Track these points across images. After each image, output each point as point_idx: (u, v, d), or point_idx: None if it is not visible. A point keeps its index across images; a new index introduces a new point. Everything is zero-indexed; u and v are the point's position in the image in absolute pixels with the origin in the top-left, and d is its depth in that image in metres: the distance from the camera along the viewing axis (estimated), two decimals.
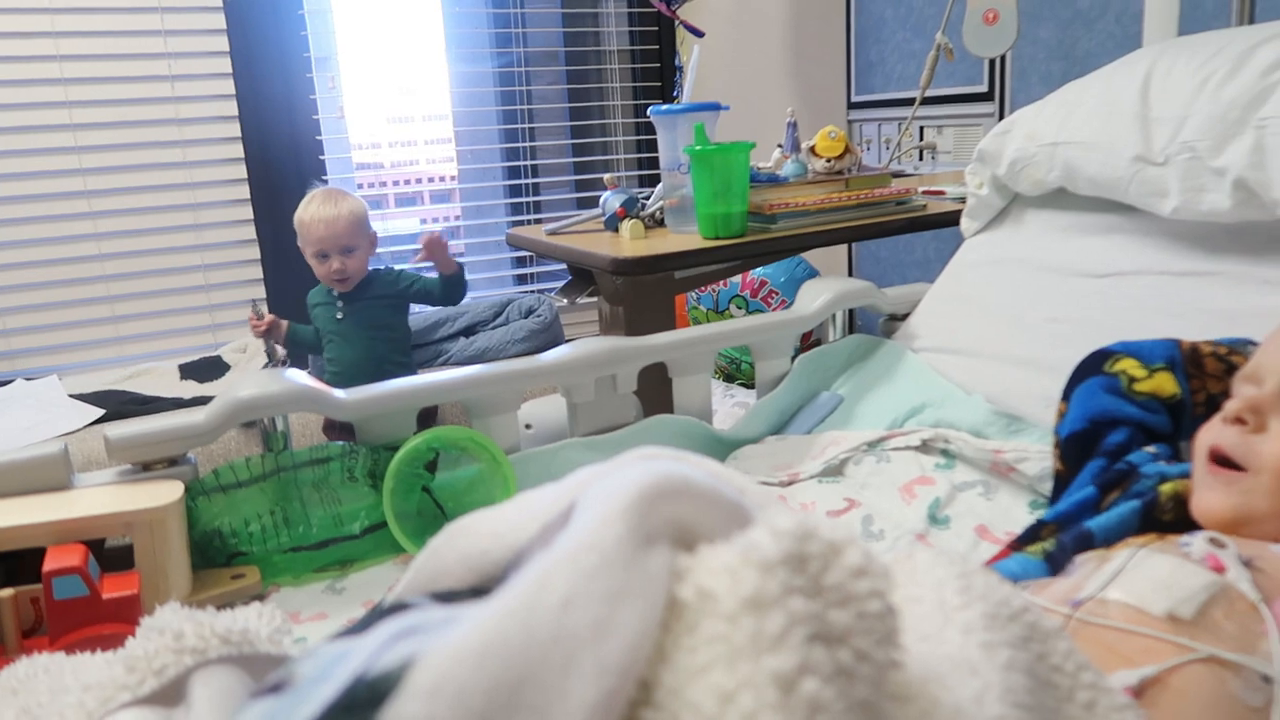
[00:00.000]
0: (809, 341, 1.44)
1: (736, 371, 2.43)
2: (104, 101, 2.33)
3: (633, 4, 3.00)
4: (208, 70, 2.42)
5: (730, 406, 2.14)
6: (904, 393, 1.18)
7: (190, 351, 2.37)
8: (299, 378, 1.04)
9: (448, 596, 0.46)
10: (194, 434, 0.96)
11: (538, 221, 3.04)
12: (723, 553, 0.36)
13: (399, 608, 0.44)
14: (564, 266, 1.64)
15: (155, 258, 2.42)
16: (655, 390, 1.24)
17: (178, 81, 2.39)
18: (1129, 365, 0.83)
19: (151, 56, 2.35)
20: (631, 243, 1.43)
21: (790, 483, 1.10)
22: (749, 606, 0.33)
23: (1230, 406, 0.67)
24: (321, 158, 2.62)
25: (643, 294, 1.40)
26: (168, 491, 0.91)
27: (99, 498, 0.90)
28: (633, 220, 1.46)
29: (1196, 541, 0.60)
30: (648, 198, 1.63)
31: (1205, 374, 0.81)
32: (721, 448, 1.20)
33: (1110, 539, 0.69)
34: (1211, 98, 0.96)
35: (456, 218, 3.16)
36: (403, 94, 2.99)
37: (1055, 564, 0.70)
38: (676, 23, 2.42)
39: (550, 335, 2.35)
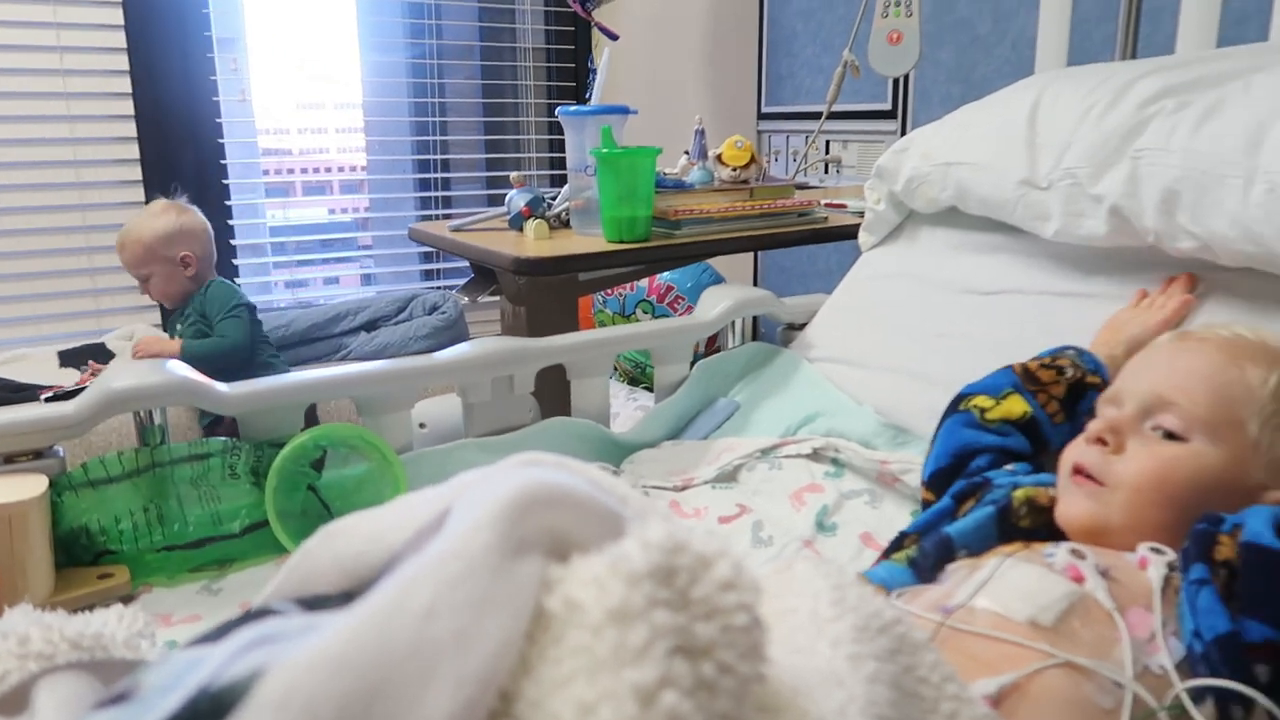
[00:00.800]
0: (712, 347, 1.45)
1: (641, 375, 2.44)
2: None
3: (549, 2, 2.99)
4: (99, 43, 2.31)
5: (634, 410, 2.15)
6: (798, 401, 1.21)
7: (72, 337, 2.25)
8: (179, 369, 1.00)
9: (316, 602, 0.45)
10: (62, 425, 0.91)
11: (446, 217, 3.00)
12: (593, 564, 0.35)
13: (262, 613, 0.43)
14: (468, 264, 1.61)
15: (37, 238, 2.30)
16: (554, 392, 1.24)
17: (66, 54, 2.27)
18: (979, 400, 0.87)
19: (39, 25, 2.23)
20: (535, 243, 1.42)
21: (684, 488, 1.11)
22: (613, 618, 0.33)
23: (1092, 427, 0.70)
24: (221, 141, 2.53)
25: (545, 295, 1.39)
26: (30, 485, 0.86)
27: None
28: (537, 220, 1.45)
29: (1059, 552, 0.63)
30: (554, 198, 1.62)
31: (1043, 385, 0.86)
32: (618, 451, 1.20)
33: (969, 543, 0.71)
34: (1093, 127, 1.00)
35: (365, 209, 3.09)
36: (313, 80, 2.91)
37: (919, 569, 0.72)
38: (591, 24, 2.41)
39: (454, 333, 2.32)
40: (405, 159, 2.98)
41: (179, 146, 2.43)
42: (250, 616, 0.42)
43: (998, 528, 0.72)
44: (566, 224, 1.56)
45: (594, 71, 2.85)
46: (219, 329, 1.93)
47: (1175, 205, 0.90)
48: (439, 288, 2.73)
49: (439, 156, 3.00)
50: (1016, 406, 0.85)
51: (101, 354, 2.14)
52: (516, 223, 1.52)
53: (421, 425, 1.40)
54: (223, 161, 2.54)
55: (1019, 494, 0.73)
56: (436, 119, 2.97)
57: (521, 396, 1.17)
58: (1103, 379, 0.86)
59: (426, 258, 2.96)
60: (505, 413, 1.16)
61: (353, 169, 3.04)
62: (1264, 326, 0.83)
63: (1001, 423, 0.85)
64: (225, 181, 2.55)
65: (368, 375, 1.07)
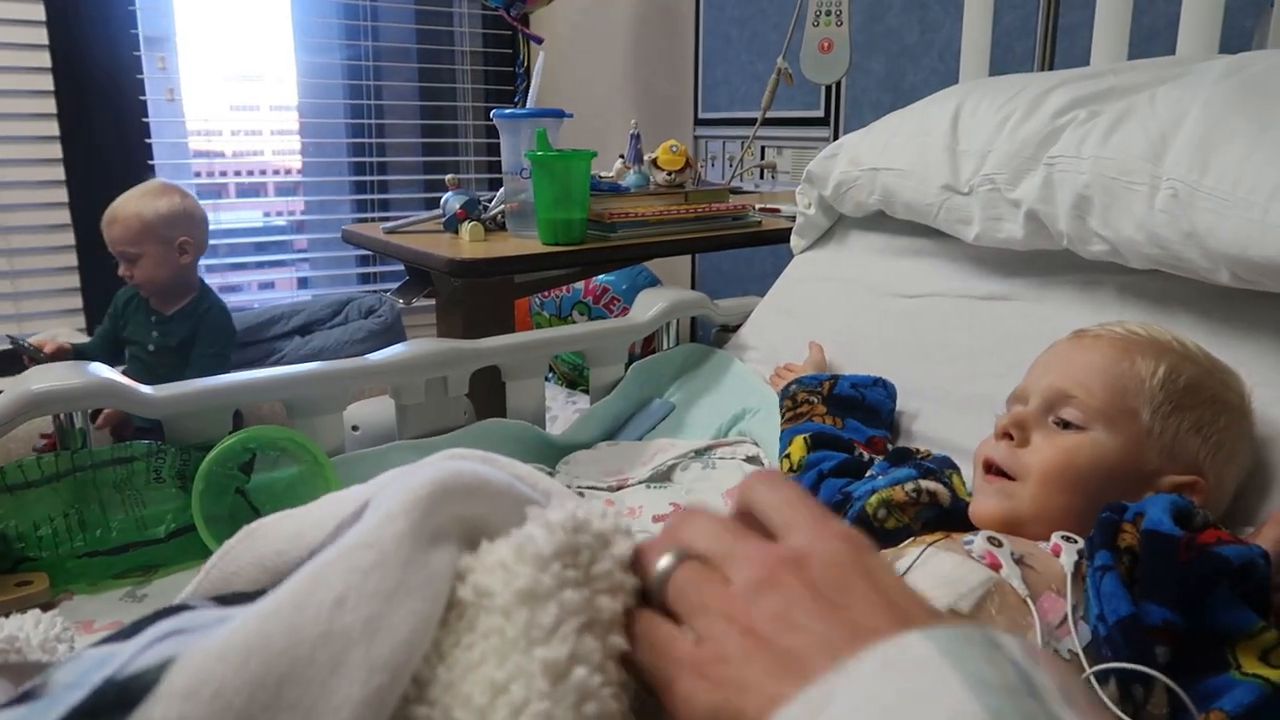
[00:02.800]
0: (649, 348, 1.46)
1: (579, 378, 2.45)
2: None
3: (485, 6, 2.98)
4: (19, 39, 2.24)
5: (572, 413, 2.15)
6: (730, 400, 1.22)
7: None
8: (101, 371, 0.98)
9: (234, 599, 0.45)
10: None
11: (383, 219, 2.97)
12: (499, 549, 0.36)
13: (177, 610, 0.42)
14: (404, 266, 1.61)
15: None
16: (489, 394, 1.24)
17: None
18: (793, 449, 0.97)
19: None
20: (470, 245, 1.42)
21: (619, 488, 1.12)
22: (523, 600, 0.34)
23: (999, 424, 0.74)
24: (148, 141, 2.47)
25: (480, 297, 1.39)
26: None
27: None
28: (473, 223, 1.45)
29: (977, 540, 0.65)
30: (490, 200, 1.62)
31: (802, 403, 1.02)
32: (553, 452, 1.20)
33: None
34: (1010, 136, 1.04)
35: (300, 211, 3.04)
36: (247, 81, 2.86)
37: None
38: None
39: (391, 336, 2.30)
40: (341, 161, 2.94)
41: (104, 146, 2.37)
42: (165, 613, 0.42)
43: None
44: (502, 226, 1.56)
45: (523, 75, 2.85)
46: (201, 363, 1.82)
47: (1087, 210, 0.94)
48: (375, 291, 2.71)
49: (375, 159, 2.97)
50: (797, 451, 0.95)
51: (21, 359, 2.08)
52: (452, 225, 1.52)
53: (354, 428, 1.39)
54: (150, 162, 2.49)
55: (872, 500, 0.76)
56: (373, 121, 2.95)
57: (456, 398, 1.17)
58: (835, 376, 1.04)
59: (363, 260, 2.93)
60: (439, 414, 1.16)
61: (287, 171, 2.99)
62: (1171, 325, 0.88)
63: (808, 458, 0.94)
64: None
65: (298, 377, 1.06)
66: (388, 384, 1.12)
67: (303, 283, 2.98)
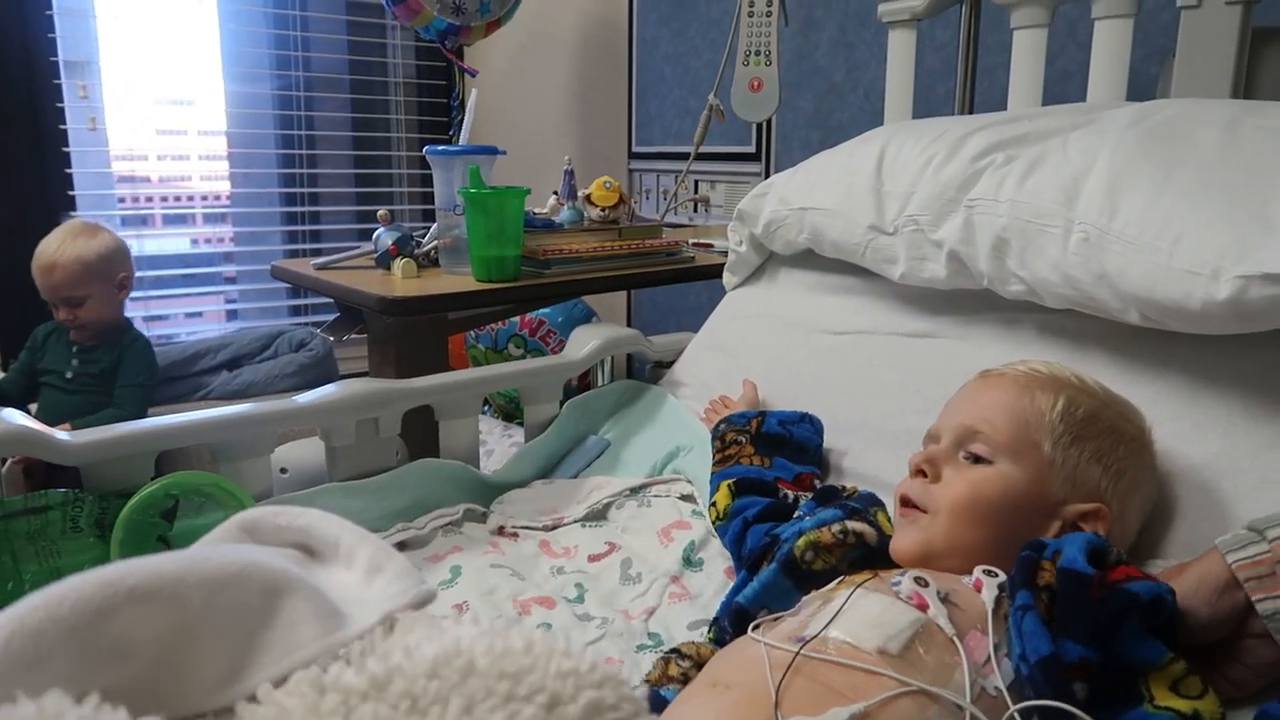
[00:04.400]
0: (585, 384, 1.46)
1: (516, 411, 2.43)
2: None
3: (419, 37, 2.98)
4: None
5: (508, 446, 2.14)
6: (666, 437, 1.23)
7: None
8: (14, 417, 0.95)
9: None
10: None
11: (315, 251, 2.92)
12: None
13: None
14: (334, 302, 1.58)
15: None
16: (421, 433, 1.23)
17: None
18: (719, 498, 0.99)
19: None
20: (403, 282, 1.41)
21: (554, 527, 1.12)
22: None
23: (912, 461, 0.77)
24: (69, 171, 2.41)
25: (414, 334, 1.38)
26: None
27: None
28: (405, 259, 1.44)
29: (905, 581, 0.67)
30: (423, 236, 1.61)
31: (730, 445, 1.05)
32: (488, 491, 1.19)
33: (766, 602, 0.76)
34: (932, 178, 1.07)
35: (229, 240, 2.98)
36: (174, 105, 2.80)
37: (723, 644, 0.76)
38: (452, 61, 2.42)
39: (323, 371, 2.26)
40: (272, 191, 2.90)
41: (22, 177, 2.30)
42: None
43: (791, 579, 0.77)
44: (435, 262, 1.55)
45: (457, 109, 2.85)
46: (125, 395, 1.81)
47: (1005, 252, 0.97)
48: (306, 324, 2.66)
49: (307, 190, 2.93)
50: (722, 499, 0.97)
51: None
52: (384, 261, 1.50)
53: (283, 470, 1.36)
54: (71, 192, 2.42)
55: (799, 544, 0.77)
56: (304, 151, 2.91)
57: (388, 438, 1.15)
58: (762, 414, 1.07)
59: (294, 292, 2.88)
60: (371, 455, 1.14)
61: (215, 198, 2.93)
62: (1085, 362, 0.91)
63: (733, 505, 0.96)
64: (73, 213, 2.42)
65: (224, 420, 1.03)
66: (317, 425, 1.10)
67: (232, 314, 2.92)
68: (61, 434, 0.95)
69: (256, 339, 2.31)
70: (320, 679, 0.36)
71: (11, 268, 2.24)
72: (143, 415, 1.81)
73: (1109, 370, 0.91)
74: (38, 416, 1.70)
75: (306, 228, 2.95)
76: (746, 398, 1.16)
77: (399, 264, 1.44)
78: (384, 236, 1.51)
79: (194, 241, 2.98)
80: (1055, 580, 0.63)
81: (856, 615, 0.65)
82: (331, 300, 1.64)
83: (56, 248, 1.75)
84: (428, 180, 3.02)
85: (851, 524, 0.78)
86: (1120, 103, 1.16)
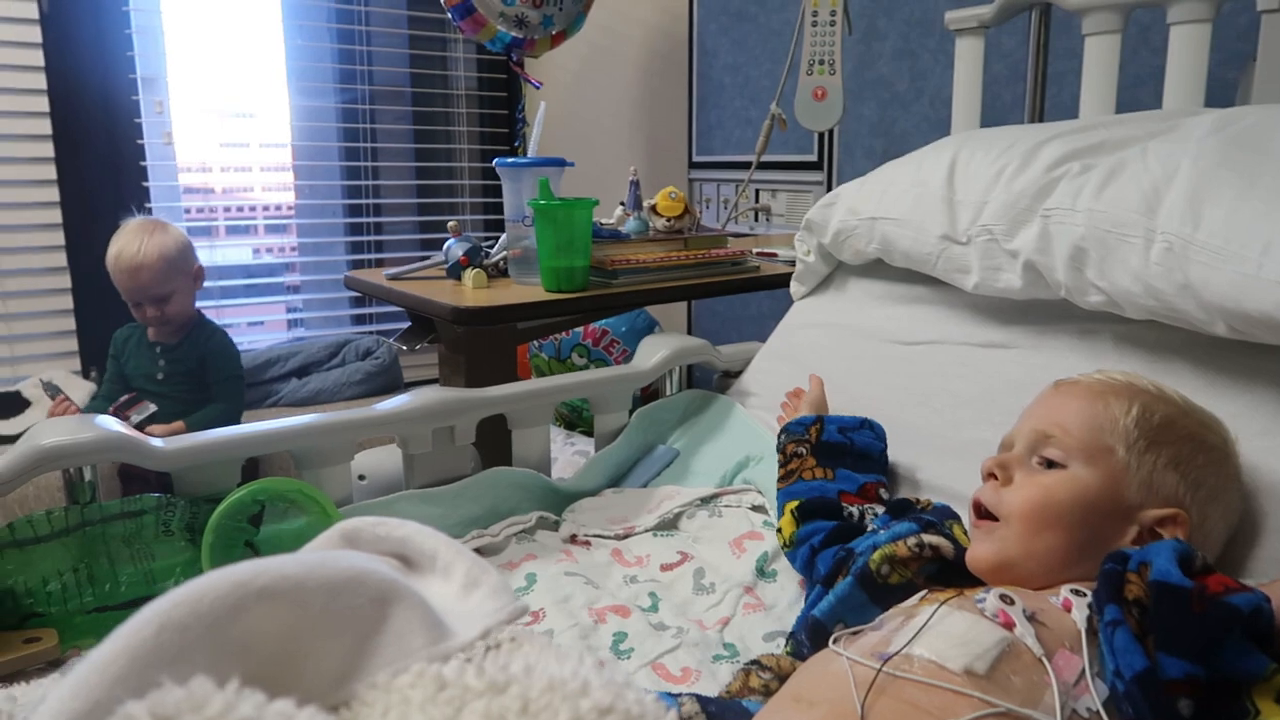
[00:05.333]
0: (649, 393, 1.48)
1: (578, 420, 2.45)
2: None
3: (481, 50, 3.02)
4: (19, 85, 2.26)
5: (572, 455, 2.16)
6: (734, 447, 1.23)
7: None
8: (111, 424, 0.99)
9: None
10: None
11: (378, 261, 2.98)
12: None
13: None
14: (404, 310, 1.62)
15: None
16: (494, 441, 1.24)
17: None
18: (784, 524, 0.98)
19: None
20: (474, 292, 1.43)
21: (626, 536, 1.13)
22: None
23: (985, 465, 0.77)
24: (145, 184, 2.49)
25: (484, 343, 1.40)
26: None
27: None
28: (475, 270, 1.47)
29: (990, 598, 0.66)
30: (491, 246, 1.63)
31: (792, 458, 1.05)
32: (559, 499, 1.21)
33: (842, 616, 0.76)
34: (1005, 188, 1.06)
35: (293, 250, 3.05)
36: (239, 118, 2.88)
37: (803, 658, 0.76)
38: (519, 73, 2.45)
39: (389, 378, 2.30)
40: (336, 203, 2.96)
41: (101, 190, 2.38)
42: None
43: (866, 593, 0.77)
44: (504, 273, 1.57)
45: (522, 120, 2.88)
46: (224, 390, 1.87)
47: (1083, 262, 0.96)
48: (372, 332, 2.71)
49: (371, 201, 2.99)
50: (787, 526, 0.96)
51: (17, 402, 2.07)
52: (454, 271, 1.53)
53: (361, 477, 1.39)
54: (147, 204, 2.50)
55: (875, 557, 0.77)
56: (369, 164, 2.97)
57: (462, 447, 1.17)
58: (820, 420, 1.06)
59: (358, 301, 2.94)
60: (446, 463, 1.16)
61: (278, 208, 3.00)
62: (1167, 375, 0.90)
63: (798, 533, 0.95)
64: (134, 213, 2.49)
65: (306, 428, 1.06)
66: (395, 434, 1.13)
67: (294, 322, 2.98)
68: (155, 441, 0.98)
69: (324, 348, 2.36)
70: (441, 673, 0.38)
71: (92, 279, 2.33)
72: (243, 405, 1.87)
73: (1193, 383, 0.89)
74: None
75: (370, 238, 3.00)
76: (812, 395, 1.16)
77: (470, 274, 1.47)
78: (454, 247, 1.53)
79: (256, 251, 3.06)
80: (1146, 594, 0.62)
81: (941, 633, 0.64)
82: (397, 310, 1.67)
83: (138, 248, 1.78)
84: (490, 191, 3.09)
85: (928, 537, 0.77)
86: (1199, 110, 1.14)
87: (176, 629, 0.36)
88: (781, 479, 1.04)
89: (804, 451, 1.04)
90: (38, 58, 2.26)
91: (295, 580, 0.41)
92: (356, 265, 2.97)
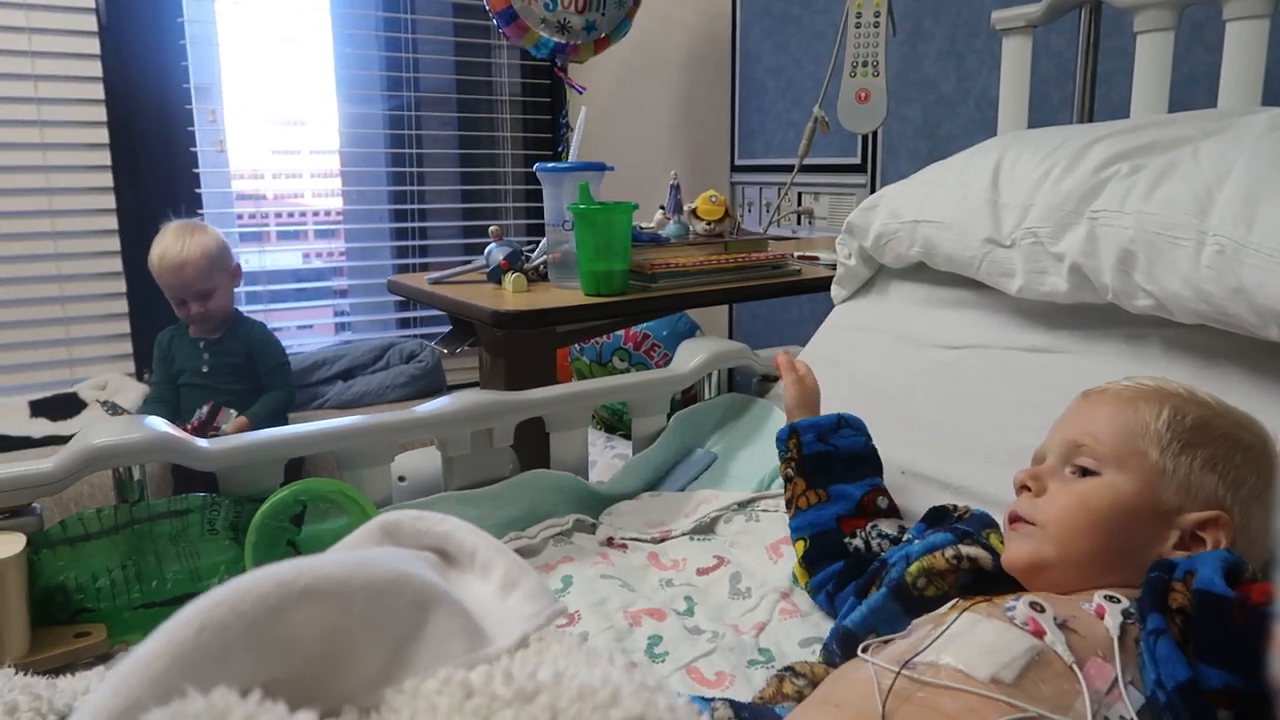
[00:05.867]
0: (688, 396, 1.47)
1: (618, 423, 2.46)
2: None
3: (525, 56, 3.04)
4: (78, 95, 2.32)
5: (611, 458, 2.16)
6: (772, 451, 1.22)
7: (45, 387, 2.23)
8: (158, 424, 1.01)
9: None
10: (41, 482, 0.91)
11: (423, 266, 3.01)
12: None
13: None
14: (446, 314, 1.63)
15: (10, 287, 2.29)
16: (533, 444, 1.25)
17: (43, 105, 2.29)
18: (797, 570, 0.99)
19: (16, 77, 2.24)
20: (514, 296, 1.44)
21: (663, 539, 1.12)
22: None
23: (1018, 478, 0.77)
24: (198, 191, 2.54)
25: (524, 347, 1.41)
26: (7, 544, 0.86)
27: None
28: (516, 274, 1.48)
29: (1019, 606, 0.65)
30: (532, 250, 1.64)
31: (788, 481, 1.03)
32: (596, 502, 1.21)
33: (874, 626, 0.75)
34: (1051, 190, 1.04)
35: (340, 255, 3.10)
36: (290, 126, 2.94)
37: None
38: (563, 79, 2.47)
39: (431, 382, 2.32)
40: (382, 208, 3.00)
41: (155, 193, 2.44)
42: None
43: (900, 604, 0.76)
44: (544, 276, 1.58)
45: (565, 125, 2.89)
46: (275, 377, 1.96)
47: (1132, 265, 0.94)
48: (416, 336, 2.74)
49: (416, 206, 3.03)
50: (800, 575, 0.96)
51: (74, 404, 2.13)
52: (495, 275, 1.54)
53: (401, 479, 1.40)
54: (200, 211, 2.55)
55: (912, 570, 0.76)
56: (414, 169, 3.00)
57: (501, 449, 1.18)
58: (795, 432, 1.02)
59: (403, 305, 2.97)
60: (485, 466, 1.17)
61: (327, 214, 3.05)
62: (1219, 380, 0.87)
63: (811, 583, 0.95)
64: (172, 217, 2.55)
65: (347, 430, 1.07)
66: (434, 436, 1.14)
67: (341, 326, 3.02)
68: (201, 441, 1.00)
69: (369, 351, 2.39)
70: (469, 681, 0.38)
71: (147, 283, 2.39)
72: (294, 388, 1.94)
73: (1244, 388, 0.87)
74: (181, 416, 1.81)
75: (415, 243, 3.04)
76: (792, 394, 1.08)
77: (510, 278, 1.47)
78: (495, 252, 1.55)
79: (305, 257, 3.11)
80: (1189, 603, 0.61)
81: (969, 642, 0.63)
82: (440, 314, 1.69)
83: (182, 247, 1.86)
84: (533, 196, 3.10)
85: (965, 549, 0.76)
86: (1255, 109, 1.11)
87: (217, 628, 0.36)
88: (787, 506, 1.02)
89: (791, 473, 1.01)
90: (96, 68, 2.32)
91: (338, 581, 0.41)
92: (401, 270, 3.00)
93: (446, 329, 1.70)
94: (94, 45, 2.31)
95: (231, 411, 1.85)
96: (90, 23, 2.30)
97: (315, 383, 2.31)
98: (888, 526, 0.94)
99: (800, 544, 0.97)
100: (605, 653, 0.46)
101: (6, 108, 2.25)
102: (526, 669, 0.40)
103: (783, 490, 1.16)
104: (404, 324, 3.01)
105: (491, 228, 1.68)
